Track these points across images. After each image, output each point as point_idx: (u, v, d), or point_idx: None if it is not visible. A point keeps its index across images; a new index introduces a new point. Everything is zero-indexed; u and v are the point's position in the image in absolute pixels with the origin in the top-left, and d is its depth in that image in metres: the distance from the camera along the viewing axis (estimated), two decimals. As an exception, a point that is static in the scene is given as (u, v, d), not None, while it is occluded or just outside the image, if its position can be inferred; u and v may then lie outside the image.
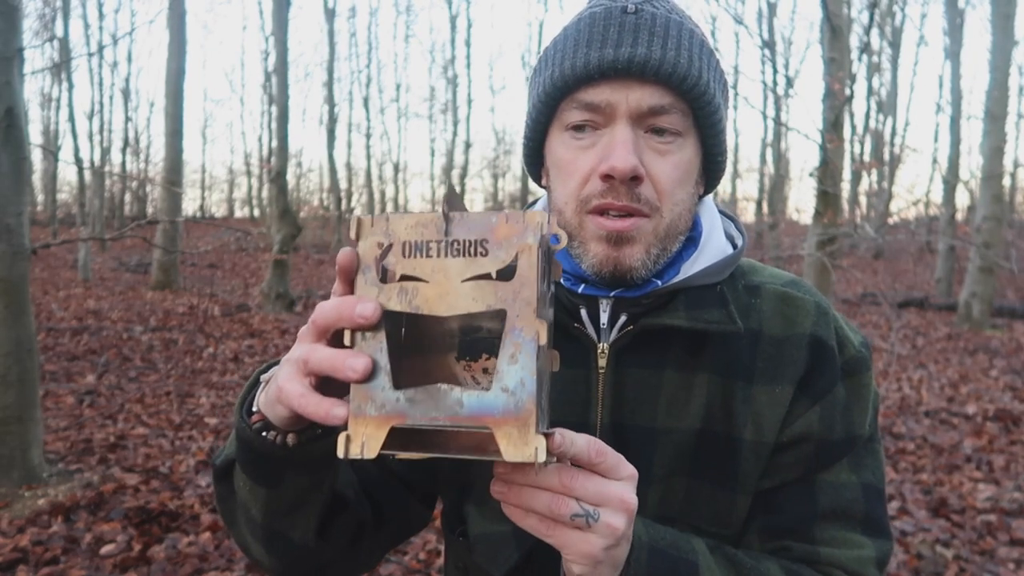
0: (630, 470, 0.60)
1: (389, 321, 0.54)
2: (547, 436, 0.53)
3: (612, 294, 0.78)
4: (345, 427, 0.53)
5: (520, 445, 0.50)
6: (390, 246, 0.54)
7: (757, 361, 0.77)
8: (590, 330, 0.79)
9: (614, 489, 0.58)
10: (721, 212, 0.87)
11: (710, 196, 0.86)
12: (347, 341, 0.54)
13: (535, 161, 0.83)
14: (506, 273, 0.52)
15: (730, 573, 0.70)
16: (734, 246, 0.84)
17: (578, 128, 0.74)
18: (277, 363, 0.68)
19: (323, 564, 0.79)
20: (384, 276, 0.54)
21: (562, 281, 0.80)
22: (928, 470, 4.21)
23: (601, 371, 0.78)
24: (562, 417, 0.73)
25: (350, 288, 0.55)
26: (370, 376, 0.52)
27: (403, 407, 0.52)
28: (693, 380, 0.77)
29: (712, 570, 0.69)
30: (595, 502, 0.57)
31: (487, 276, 0.52)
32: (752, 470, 0.77)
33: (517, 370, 0.50)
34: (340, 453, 0.53)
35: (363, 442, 0.52)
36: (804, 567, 0.75)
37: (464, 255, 0.53)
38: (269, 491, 0.69)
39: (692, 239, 0.81)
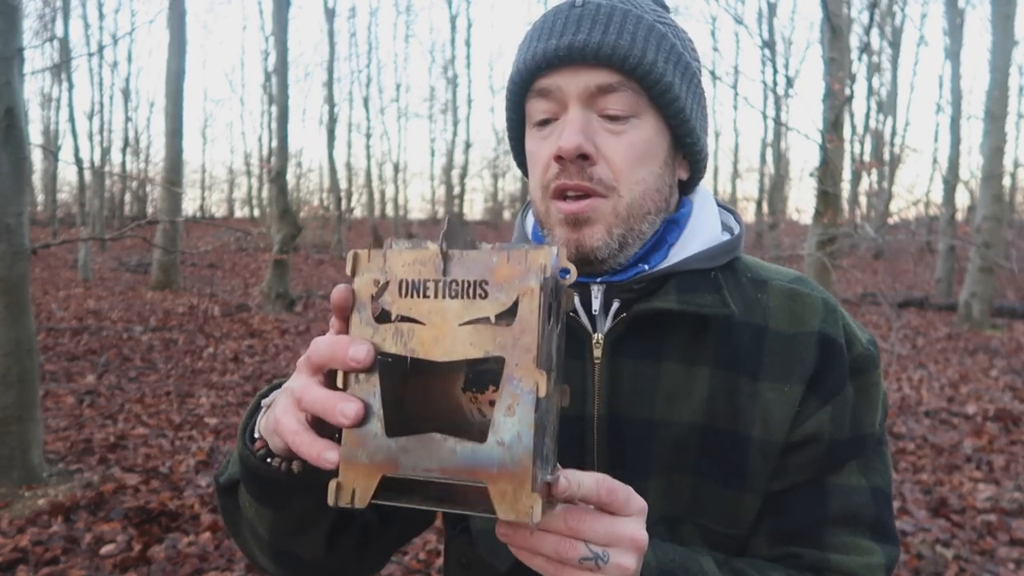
0: (640, 504, 0.59)
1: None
2: (551, 483, 0.51)
3: (599, 280, 0.78)
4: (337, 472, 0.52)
5: (515, 504, 0.48)
6: (387, 284, 0.52)
7: (763, 357, 0.77)
8: (584, 319, 0.79)
9: (624, 528, 0.57)
10: (720, 205, 0.87)
11: (706, 186, 0.87)
12: (340, 383, 0.53)
13: (523, 160, 0.86)
14: (506, 317, 0.50)
15: None
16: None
17: (543, 123, 0.77)
18: (279, 386, 0.68)
19: (332, 572, 0.79)
20: (380, 315, 0.52)
21: None
22: (928, 470, 4.21)
23: (596, 362, 0.77)
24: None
25: (346, 325, 0.54)
26: (362, 421, 0.51)
27: (395, 455, 0.50)
28: (694, 372, 0.77)
29: None
30: (605, 543, 0.56)
31: (486, 320, 0.50)
32: (760, 469, 0.76)
33: (514, 423, 0.48)
34: (330, 501, 0.51)
35: (354, 490, 0.51)
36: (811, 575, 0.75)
37: (462, 297, 0.51)
38: (275, 513, 0.69)
39: (675, 222, 0.81)
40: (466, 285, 0.51)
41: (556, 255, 0.51)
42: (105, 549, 2.98)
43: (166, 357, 6.92)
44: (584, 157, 0.73)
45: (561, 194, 0.74)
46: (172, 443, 4.41)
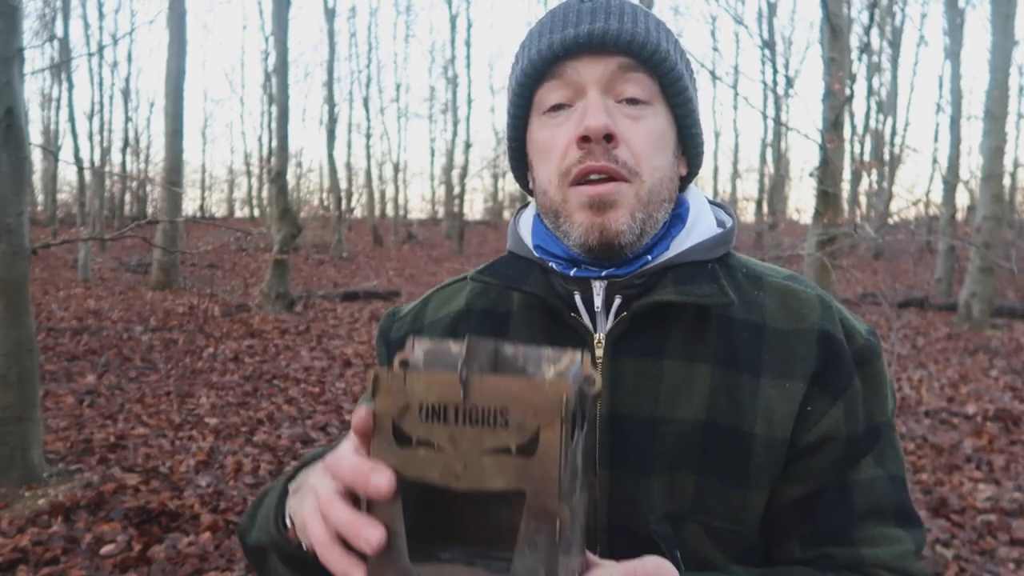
0: None
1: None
2: None
3: (603, 273, 0.78)
4: None
5: None
6: (407, 406, 0.51)
7: (763, 354, 0.77)
8: (586, 319, 0.79)
9: None
10: (710, 201, 0.88)
11: (694, 185, 0.88)
12: (363, 505, 0.53)
13: (520, 164, 0.86)
14: (528, 448, 0.49)
15: None
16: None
17: (555, 109, 0.77)
18: (302, 467, 0.70)
19: None
20: (401, 438, 0.52)
21: (555, 266, 0.80)
22: (928, 470, 4.21)
23: (599, 361, 0.78)
24: None
25: (367, 446, 0.54)
26: (386, 546, 0.51)
27: None
28: (695, 370, 0.77)
29: None
30: None
31: (507, 450, 0.49)
32: (764, 465, 0.76)
33: (537, 559, 0.48)
34: None
35: None
36: (846, 573, 0.75)
37: (483, 424, 0.49)
38: None
39: (679, 216, 0.82)
40: (487, 412, 0.49)
41: (579, 365, 0.51)
42: (105, 549, 2.98)
43: (166, 357, 6.92)
44: (609, 138, 0.73)
45: (583, 177, 0.74)
46: (172, 443, 4.41)
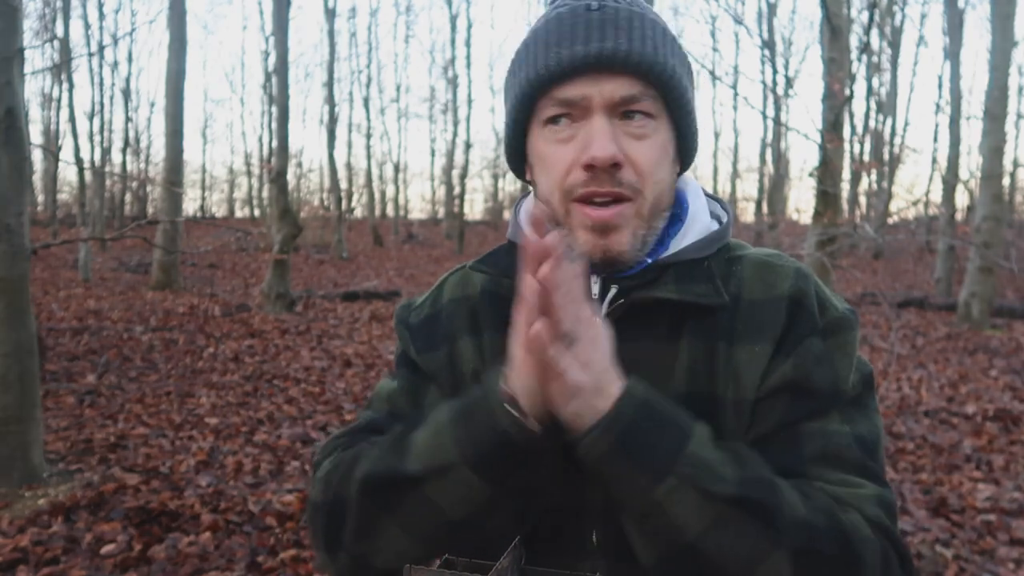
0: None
1: None
2: None
3: (603, 275, 0.81)
4: None
5: None
6: None
7: (737, 324, 0.78)
8: None
9: None
10: (707, 195, 0.90)
11: (691, 175, 0.89)
12: None
13: (517, 158, 0.87)
14: None
15: (726, 456, 0.69)
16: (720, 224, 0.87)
17: (554, 120, 0.78)
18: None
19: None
20: None
21: None
22: (928, 470, 4.21)
23: None
24: None
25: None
26: None
27: None
28: (677, 347, 0.79)
29: (705, 445, 0.68)
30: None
31: None
32: (735, 428, 0.77)
33: None
34: None
35: None
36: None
37: None
38: (494, 488, 0.71)
39: (677, 216, 0.84)
40: None
41: None
42: (105, 549, 2.98)
43: (166, 357, 6.92)
44: (616, 165, 0.75)
45: (588, 199, 0.76)
46: (172, 443, 4.41)
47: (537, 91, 0.78)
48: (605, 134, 0.74)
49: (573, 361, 0.64)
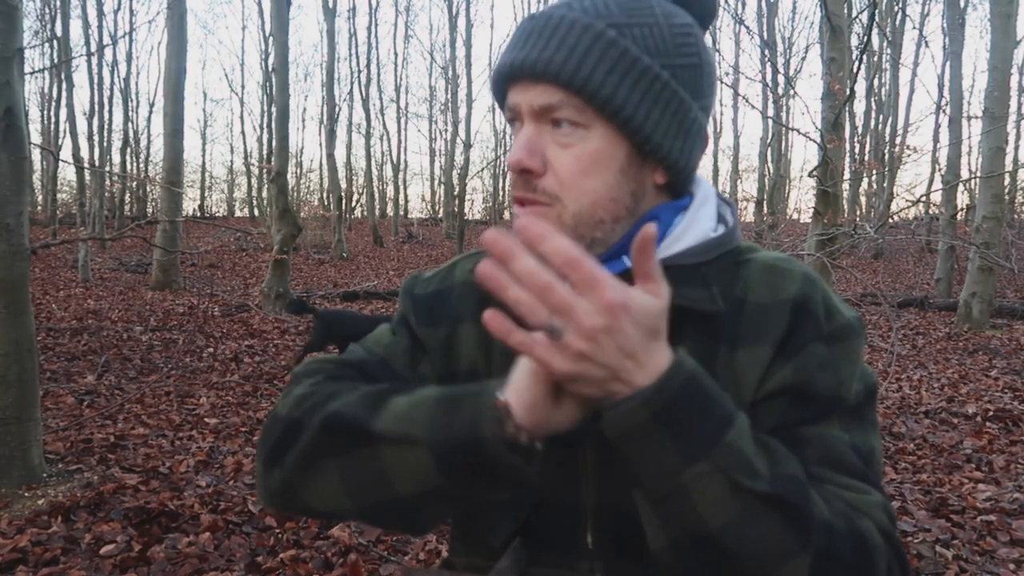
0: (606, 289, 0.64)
1: None
2: None
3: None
4: None
5: None
6: None
7: (741, 328, 0.78)
8: None
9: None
10: (720, 198, 0.89)
11: (704, 179, 0.87)
12: None
13: None
14: None
15: (760, 450, 0.67)
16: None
17: (511, 123, 0.82)
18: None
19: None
20: None
21: None
22: (928, 470, 4.21)
23: None
24: None
25: None
26: None
27: None
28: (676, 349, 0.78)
29: (744, 435, 0.66)
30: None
31: None
32: None
33: None
34: None
35: None
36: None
37: None
38: (456, 492, 0.69)
39: (656, 217, 0.82)
40: None
41: None
42: (105, 549, 2.97)
43: (166, 357, 6.92)
44: (529, 172, 0.77)
45: (518, 202, 0.80)
46: (172, 443, 4.41)
47: (498, 96, 0.83)
48: (519, 141, 0.77)
49: (556, 353, 0.60)
